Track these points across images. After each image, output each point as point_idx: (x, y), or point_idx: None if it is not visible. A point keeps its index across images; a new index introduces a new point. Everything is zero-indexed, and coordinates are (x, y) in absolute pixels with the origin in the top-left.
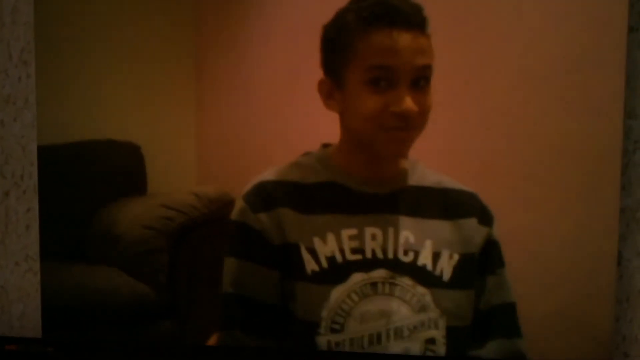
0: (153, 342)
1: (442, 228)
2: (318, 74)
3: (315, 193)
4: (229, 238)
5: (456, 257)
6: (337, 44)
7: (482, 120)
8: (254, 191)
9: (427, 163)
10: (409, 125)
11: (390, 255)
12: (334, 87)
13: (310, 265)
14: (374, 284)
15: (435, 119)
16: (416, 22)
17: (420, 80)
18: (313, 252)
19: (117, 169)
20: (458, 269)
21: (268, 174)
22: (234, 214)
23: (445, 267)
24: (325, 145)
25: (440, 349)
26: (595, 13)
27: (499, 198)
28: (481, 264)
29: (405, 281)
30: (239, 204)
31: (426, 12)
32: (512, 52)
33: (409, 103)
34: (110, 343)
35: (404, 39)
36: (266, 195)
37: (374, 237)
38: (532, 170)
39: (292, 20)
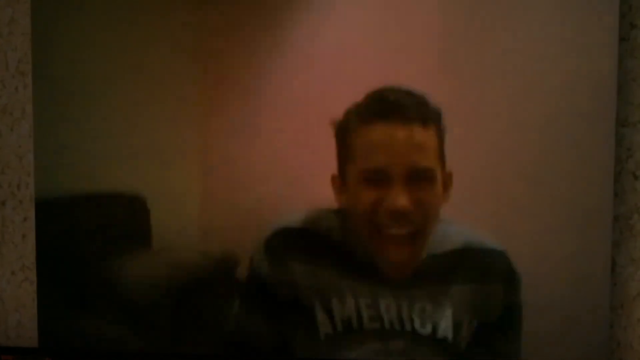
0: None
1: (464, 294)
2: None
3: (337, 253)
4: (245, 277)
5: (475, 323)
6: (340, 140)
7: (477, 126)
8: (276, 238)
9: None
10: (408, 225)
11: (408, 327)
12: (342, 183)
13: (325, 327)
14: (388, 355)
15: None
16: (415, 116)
17: (420, 176)
18: (329, 313)
19: (122, 222)
20: (477, 335)
21: (294, 219)
22: (254, 256)
23: (465, 335)
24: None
25: None
26: (587, 24)
27: (494, 205)
28: (499, 322)
29: (423, 354)
30: (260, 247)
31: (434, 104)
32: (510, 65)
33: (402, 201)
34: (107, 354)
35: (399, 135)
36: (286, 246)
37: (388, 308)
38: (527, 178)
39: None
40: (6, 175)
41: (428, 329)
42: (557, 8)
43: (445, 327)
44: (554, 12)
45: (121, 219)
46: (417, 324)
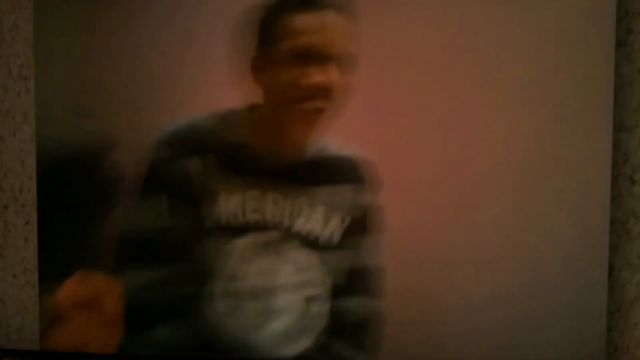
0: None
1: (332, 194)
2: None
3: (231, 151)
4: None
5: (348, 220)
6: (269, 24)
7: (476, 131)
8: (180, 133)
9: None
10: (321, 100)
11: (287, 219)
12: (266, 62)
13: (211, 220)
14: (266, 244)
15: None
16: (326, 3)
17: (340, 59)
18: (217, 207)
19: None
20: (347, 232)
21: (199, 117)
22: (152, 147)
23: (336, 231)
24: (252, 107)
25: (322, 308)
26: (584, 28)
27: (492, 209)
28: (362, 222)
29: (295, 243)
30: (161, 140)
31: None
32: (504, 64)
33: (321, 77)
34: (108, 356)
35: (326, 21)
36: (187, 141)
37: (275, 201)
38: (525, 183)
39: None
40: (8, 179)
41: (302, 220)
42: (555, 13)
43: (316, 220)
44: (552, 16)
45: None
46: (295, 217)
